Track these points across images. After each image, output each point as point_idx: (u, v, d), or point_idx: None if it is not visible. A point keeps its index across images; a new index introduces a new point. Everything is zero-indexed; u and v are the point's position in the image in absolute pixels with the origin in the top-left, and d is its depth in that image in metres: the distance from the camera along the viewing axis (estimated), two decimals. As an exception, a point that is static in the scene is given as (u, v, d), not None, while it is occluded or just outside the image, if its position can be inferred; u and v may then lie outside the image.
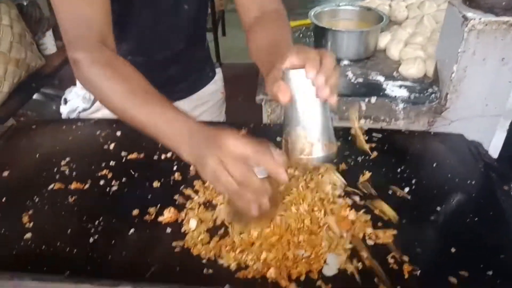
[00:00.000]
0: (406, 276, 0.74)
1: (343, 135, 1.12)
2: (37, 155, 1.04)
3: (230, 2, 4.47)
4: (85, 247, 0.79)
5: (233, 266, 0.75)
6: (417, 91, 1.49)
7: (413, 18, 1.88)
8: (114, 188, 0.94)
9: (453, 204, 0.92)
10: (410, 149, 1.09)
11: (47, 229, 0.83)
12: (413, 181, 0.97)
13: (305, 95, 0.73)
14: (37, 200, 0.90)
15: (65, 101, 1.28)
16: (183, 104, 1.29)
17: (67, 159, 1.02)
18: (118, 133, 1.12)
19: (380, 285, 0.73)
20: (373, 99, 1.47)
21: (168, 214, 0.86)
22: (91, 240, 0.80)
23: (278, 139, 1.02)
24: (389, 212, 0.87)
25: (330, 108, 0.75)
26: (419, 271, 0.75)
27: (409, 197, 0.92)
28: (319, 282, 0.73)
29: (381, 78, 1.57)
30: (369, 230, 0.83)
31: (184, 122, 0.77)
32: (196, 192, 0.93)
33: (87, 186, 0.94)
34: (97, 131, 1.13)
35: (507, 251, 0.79)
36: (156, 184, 0.95)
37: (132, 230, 0.83)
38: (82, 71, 0.86)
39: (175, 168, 1.00)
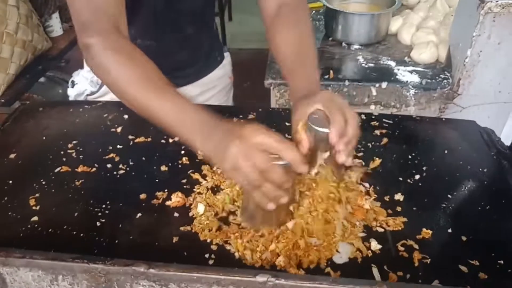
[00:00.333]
0: (416, 264, 0.73)
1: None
2: (44, 138, 1.03)
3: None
4: (92, 231, 0.78)
5: (241, 253, 0.75)
6: (428, 77, 1.47)
7: (426, 2, 1.85)
8: (122, 171, 0.93)
9: (465, 192, 0.90)
10: (421, 136, 1.07)
11: (54, 212, 0.83)
12: (424, 168, 0.95)
13: (321, 152, 0.77)
14: (44, 183, 0.89)
15: (73, 84, 1.27)
16: (191, 88, 1.28)
17: (74, 142, 1.02)
18: (126, 117, 1.10)
19: (390, 273, 0.72)
20: (384, 85, 1.45)
21: (175, 199, 0.85)
22: (98, 223, 0.80)
23: (287, 124, 1.01)
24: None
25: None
26: (429, 259, 0.74)
27: (420, 184, 0.91)
28: (327, 269, 0.72)
29: (392, 63, 1.55)
30: (381, 218, 0.82)
31: (197, 113, 0.75)
32: (204, 176, 0.92)
33: (94, 169, 0.94)
34: (104, 114, 1.12)
35: (518, 240, 0.78)
36: (163, 168, 0.94)
37: (139, 214, 0.82)
38: (94, 56, 0.84)
39: (182, 152, 0.99)
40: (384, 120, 1.11)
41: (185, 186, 0.89)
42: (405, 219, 0.82)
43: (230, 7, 4.59)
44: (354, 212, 0.82)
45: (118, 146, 1.00)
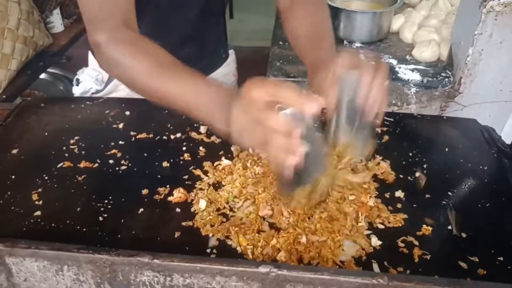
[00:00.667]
0: (417, 260, 0.74)
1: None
2: (46, 133, 1.04)
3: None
4: (94, 225, 0.79)
5: (243, 248, 0.75)
6: (430, 75, 1.47)
7: (428, 0, 1.85)
8: (123, 167, 0.93)
9: (465, 189, 0.90)
10: (422, 134, 1.07)
11: (56, 207, 0.83)
12: (425, 166, 0.95)
13: (353, 98, 0.73)
14: (46, 178, 0.90)
15: (77, 82, 1.27)
16: None
17: (76, 137, 1.02)
18: (127, 113, 1.11)
19: (390, 268, 0.72)
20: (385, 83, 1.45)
21: (177, 194, 0.85)
22: (100, 218, 0.80)
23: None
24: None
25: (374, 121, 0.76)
26: (429, 255, 0.74)
27: (420, 181, 0.91)
28: (329, 265, 0.72)
29: (393, 61, 1.55)
30: (384, 215, 0.82)
31: (217, 92, 0.73)
32: (206, 173, 0.92)
33: (96, 165, 0.94)
34: (106, 110, 1.12)
35: (518, 238, 0.78)
36: (165, 164, 0.94)
37: (141, 210, 0.82)
38: (105, 51, 0.83)
39: (184, 148, 0.99)
40: (385, 118, 1.11)
41: (186, 182, 0.90)
42: (405, 216, 0.82)
43: (231, 4, 4.59)
44: (358, 209, 0.82)
45: (120, 142, 1.01)
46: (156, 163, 0.95)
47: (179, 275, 0.62)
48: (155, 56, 0.81)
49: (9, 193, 0.86)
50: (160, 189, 0.87)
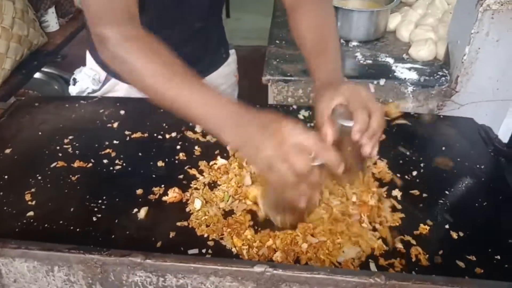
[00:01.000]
0: (414, 259, 0.73)
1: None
2: (39, 133, 1.03)
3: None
4: (88, 226, 0.78)
5: (238, 248, 0.74)
6: (427, 74, 1.47)
7: (424, -1, 1.84)
8: (118, 167, 0.93)
9: (462, 188, 0.90)
10: (419, 132, 1.07)
11: (50, 207, 0.82)
12: (422, 165, 0.95)
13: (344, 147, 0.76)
14: (39, 178, 0.89)
15: (74, 82, 1.25)
16: None
17: (70, 137, 1.01)
18: (122, 112, 1.10)
19: (387, 268, 0.71)
20: (382, 81, 1.44)
21: (172, 194, 0.84)
22: (94, 218, 0.79)
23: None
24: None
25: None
26: (427, 255, 0.74)
27: (417, 180, 0.91)
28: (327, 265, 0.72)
29: (390, 60, 1.54)
30: (384, 214, 0.81)
31: (227, 105, 0.74)
32: (201, 172, 0.91)
33: (90, 164, 0.93)
34: (100, 109, 1.11)
35: (515, 236, 0.78)
36: (160, 163, 0.94)
37: (136, 209, 0.81)
38: (111, 48, 0.82)
39: (179, 148, 0.98)
40: (382, 116, 1.11)
41: (182, 182, 0.89)
42: (402, 215, 0.82)
43: (228, 4, 4.57)
44: (359, 208, 0.82)
45: (115, 142, 1.00)
46: (151, 163, 0.94)
47: (172, 276, 0.61)
48: (164, 58, 0.80)
49: (1, 193, 0.85)
50: (155, 189, 0.86)
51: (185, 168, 0.92)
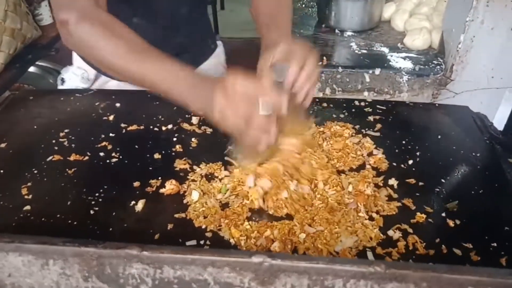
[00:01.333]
0: (411, 247, 0.74)
1: (346, 107, 1.11)
2: (35, 127, 1.02)
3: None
4: (85, 219, 0.78)
5: (236, 239, 0.74)
6: (422, 63, 1.47)
7: (419, -12, 1.83)
8: (114, 160, 0.92)
9: (458, 176, 0.90)
10: (415, 121, 1.07)
11: (46, 201, 0.82)
12: (418, 153, 0.95)
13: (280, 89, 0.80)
14: (36, 172, 0.88)
15: (62, 81, 1.24)
16: None
17: (66, 130, 1.00)
18: (118, 105, 1.09)
19: (384, 256, 0.72)
20: (377, 71, 1.44)
21: (169, 186, 0.84)
22: (91, 211, 0.79)
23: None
24: None
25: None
26: (424, 243, 0.74)
27: (413, 169, 0.91)
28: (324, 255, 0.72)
29: (385, 50, 1.55)
30: (380, 203, 0.82)
31: (189, 75, 0.79)
32: (198, 164, 0.91)
33: (86, 157, 0.93)
34: (96, 102, 1.11)
35: (511, 223, 0.78)
36: (157, 156, 0.93)
37: (133, 202, 0.81)
38: (73, 32, 0.82)
39: (175, 139, 0.98)
40: (377, 106, 1.11)
41: (179, 174, 0.89)
42: (399, 204, 0.82)
43: (222, -5, 4.55)
44: (356, 197, 0.82)
45: (111, 134, 0.99)
46: (148, 155, 0.94)
47: (170, 267, 0.61)
48: (127, 38, 0.82)
49: (-3, 187, 0.84)
50: (152, 181, 0.86)
51: (182, 160, 0.92)
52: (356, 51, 1.54)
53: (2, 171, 0.89)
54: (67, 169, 0.89)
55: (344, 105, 1.10)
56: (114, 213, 0.79)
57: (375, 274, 0.57)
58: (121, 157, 0.93)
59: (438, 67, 1.44)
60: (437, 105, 1.18)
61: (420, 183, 0.87)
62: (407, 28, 1.61)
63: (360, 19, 1.62)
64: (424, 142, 0.99)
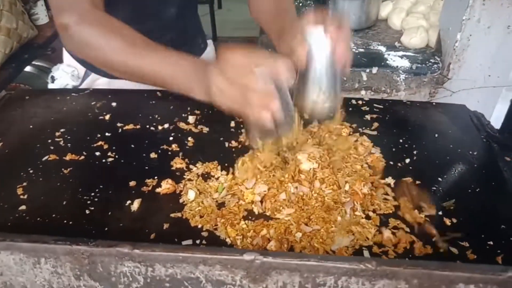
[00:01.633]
0: (408, 246, 0.73)
1: (343, 105, 1.10)
2: (31, 126, 1.02)
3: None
4: (81, 219, 0.77)
5: (232, 239, 0.74)
6: (419, 61, 1.47)
7: (416, -14, 1.84)
8: (110, 159, 0.92)
9: (455, 175, 0.90)
10: (412, 120, 1.07)
11: (42, 201, 0.81)
12: (415, 152, 0.95)
13: (322, 51, 0.77)
14: (31, 171, 0.88)
15: (52, 79, 1.24)
16: None
17: (62, 130, 1.00)
18: (114, 104, 1.09)
19: (381, 255, 0.72)
20: (374, 70, 1.45)
21: (165, 185, 0.84)
22: (87, 211, 0.79)
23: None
24: None
25: (342, 72, 0.82)
26: (420, 242, 0.74)
27: (410, 167, 0.91)
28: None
29: (382, 48, 1.55)
30: (377, 202, 0.82)
31: (190, 62, 0.78)
32: (194, 163, 0.91)
33: (82, 157, 0.92)
34: (92, 101, 1.10)
35: (508, 222, 0.78)
36: (153, 155, 0.93)
37: (129, 202, 0.81)
38: (74, 33, 0.83)
39: (172, 139, 0.98)
40: (374, 105, 1.11)
41: (175, 173, 0.88)
42: (395, 203, 0.82)
43: (220, -6, 4.54)
44: (352, 196, 0.82)
45: (107, 134, 0.99)
46: (144, 155, 0.93)
47: (161, 265, 0.60)
48: (126, 34, 0.82)
49: (-7, 187, 0.84)
50: (148, 181, 0.86)
51: (178, 159, 0.92)
52: (354, 50, 1.54)
53: (-3, 171, 0.88)
54: (62, 169, 0.89)
55: (341, 104, 1.10)
56: (110, 213, 0.79)
57: (366, 271, 0.57)
58: (117, 156, 0.93)
59: (435, 65, 1.44)
60: (434, 103, 1.17)
61: (417, 182, 0.87)
62: (404, 26, 1.61)
63: (357, 17, 1.63)
64: (421, 141, 0.99)
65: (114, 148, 0.95)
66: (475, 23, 1.30)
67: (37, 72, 2.40)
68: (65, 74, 1.22)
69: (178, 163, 0.90)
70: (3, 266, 0.65)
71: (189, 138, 0.98)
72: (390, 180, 0.87)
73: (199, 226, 0.76)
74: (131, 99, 1.11)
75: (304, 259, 0.58)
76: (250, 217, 0.79)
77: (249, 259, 0.58)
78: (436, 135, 1.01)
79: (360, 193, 0.82)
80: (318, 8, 0.82)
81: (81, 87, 1.22)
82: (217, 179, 0.87)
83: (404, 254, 0.72)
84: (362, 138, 0.98)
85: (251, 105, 0.70)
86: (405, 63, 1.46)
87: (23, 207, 0.79)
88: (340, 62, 0.78)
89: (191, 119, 1.03)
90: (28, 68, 2.25)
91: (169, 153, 0.94)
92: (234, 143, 0.96)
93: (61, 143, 0.96)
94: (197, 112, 1.05)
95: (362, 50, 1.54)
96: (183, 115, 1.04)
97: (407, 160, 0.93)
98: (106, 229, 0.75)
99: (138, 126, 1.02)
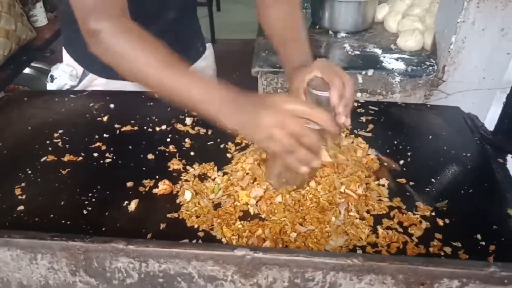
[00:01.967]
0: (401, 246, 0.75)
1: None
2: (29, 127, 1.03)
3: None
4: (79, 219, 0.78)
5: (228, 239, 0.75)
6: (414, 64, 1.48)
7: (412, -11, 1.85)
8: (108, 160, 0.93)
9: (448, 176, 0.91)
10: (407, 122, 1.08)
11: (40, 201, 0.82)
12: (409, 154, 0.96)
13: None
14: (29, 172, 0.89)
15: (52, 79, 1.25)
16: None
17: (60, 131, 1.01)
18: (112, 106, 1.10)
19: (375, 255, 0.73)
20: (370, 72, 1.45)
21: (162, 186, 0.85)
22: (85, 211, 0.80)
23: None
24: None
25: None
26: (413, 242, 0.75)
27: (404, 168, 0.92)
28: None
29: (378, 51, 1.56)
30: (371, 202, 0.82)
31: (223, 89, 0.77)
32: (191, 164, 0.92)
33: (80, 158, 0.93)
34: (90, 103, 1.11)
35: (500, 222, 0.80)
36: (150, 156, 0.94)
37: (126, 202, 0.82)
38: (103, 41, 0.82)
39: (169, 140, 0.99)
40: (370, 107, 1.12)
41: (172, 174, 0.89)
42: (389, 203, 0.83)
43: (219, -3, 4.55)
44: (346, 198, 0.83)
45: (105, 135, 1.00)
46: (141, 156, 0.94)
47: (155, 261, 0.61)
48: (155, 47, 0.82)
49: (-9, 188, 0.85)
50: (145, 182, 0.87)
51: (175, 160, 0.93)
52: (350, 52, 1.55)
53: (-4, 171, 0.89)
54: (60, 170, 0.90)
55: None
56: (107, 213, 0.80)
57: (353, 267, 0.58)
58: (114, 157, 0.94)
59: (431, 68, 1.45)
60: (429, 105, 1.19)
61: (411, 183, 0.88)
62: (400, 29, 1.63)
63: (353, 20, 1.64)
64: (416, 143, 1.00)
65: (111, 149, 0.96)
66: (470, 26, 1.31)
67: (36, 74, 2.40)
68: (64, 74, 1.22)
69: (175, 164, 0.91)
70: (0, 262, 0.66)
71: (186, 140, 0.99)
72: (384, 181, 0.88)
73: (196, 226, 0.77)
74: (129, 100, 1.12)
75: (293, 255, 0.59)
76: (245, 218, 0.80)
77: (240, 255, 0.59)
78: (431, 137, 1.02)
79: (354, 195, 0.83)
80: (326, 62, 0.85)
81: (78, 87, 1.22)
82: (213, 180, 0.88)
83: (397, 254, 0.73)
84: (358, 140, 0.99)
85: (297, 157, 0.72)
86: (401, 66, 1.47)
87: (21, 207, 0.80)
88: (338, 120, 0.80)
89: (188, 120, 1.04)
90: (26, 70, 2.25)
91: (166, 154, 0.95)
92: (230, 145, 0.97)
93: (59, 144, 0.97)
94: (194, 113, 1.06)
95: (358, 52, 1.55)
96: (181, 116, 1.05)
97: (401, 162, 0.94)
98: (103, 229, 0.76)
99: (135, 128, 1.03)
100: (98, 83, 1.21)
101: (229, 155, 0.94)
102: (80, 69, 1.21)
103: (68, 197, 0.83)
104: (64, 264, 0.64)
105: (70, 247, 0.63)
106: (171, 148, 0.96)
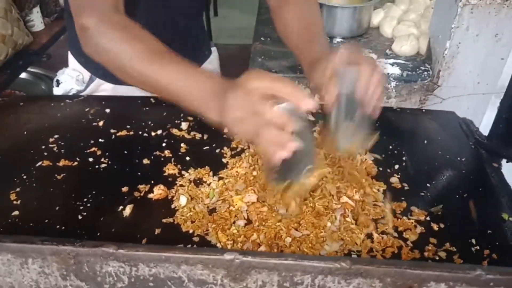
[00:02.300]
0: (396, 251, 0.75)
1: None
2: (24, 132, 1.02)
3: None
4: (73, 224, 0.78)
5: (223, 244, 0.75)
6: (409, 69, 1.49)
7: (407, -5, 1.86)
8: (103, 165, 0.93)
9: (443, 180, 0.92)
10: (402, 126, 1.08)
11: (35, 206, 0.82)
12: (404, 158, 0.97)
13: (352, 92, 0.75)
14: (25, 177, 0.89)
15: (58, 83, 1.24)
16: None
17: (56, 136, 1.01)
18: (107, 110, 1.10)
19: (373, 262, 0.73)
20: (365, 77, 1.46)
21: (158, 191, 0.85)
22: (80, 217, 0.80)
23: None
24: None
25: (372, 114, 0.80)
26: (409, 247, 0.75)
27: (399, 173, 0.92)
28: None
29: (373, 56, 1.57)
30: (367, 207, 0.83)
31: (211, 81, 0.73)
32: (186, 169, 0.92)
33: (75, 163, 0.93)
34: (86, 108, 1.11)
35: (494, 227, 0.80)
36: (145, 161, 0.94)
37: (121, 207, 0.82)
38: (93, 35, 0.81)
39: (164, 145, 0.99)
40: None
41: (167, 179, 0.89)
42: (385, 208, 0.83)
43: (216, 1, 4.57)
44: (343, 204, 0.82)
45: (100, 140, 1.00)
46: (137, 160, 0.94)
47: (145, 265, 0.61)
48: (146, 42, 0.80)
49: (-14, 193, 0.85)
50: (141, 187, 0.87)
51: (171, 165, 0.93)
52: (345, 57, 1.56)
53: (-10, 176, 0.89)
54: (56, 175, 0.89)
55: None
56: (102, 218, 0.80)
57: (341, 270, 0.58)
58: (110, 162, 0.94)
59: (426, 73, 1.46)
60: (424, 110, 1.19)
61: (406, 188, 0.89)
62: (395, 34, 1.64)
63: (349, 25, 1.65)
64: (411, 147, 1.00)
65: (107, 154, 0.96)
66: (464, 31, 1.33)
67: (32, 79, 2.41)
68: (70, 79, 1.22)
69: (170, 169, 0.91)
70: (-10, 267, 0.66)
71: (182, 144, 0.99)
72: (380, 186, 0.88)
73: (191, 231, 0.77)
74: (125, 105, 1.13)
75: (282, 259, 0.59)
76: (241, 222, 0.79)
77: (229, 259, 0.59)
78: (426, 142, 1.03)
79: (351, 201, 0.83)
80: (350, 44, 0.80)
81: (85, 92, 1.22)
82: (208, 185, 0.88)
83: (392, 258, 0.73)
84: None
85: (266, 141, 0.65)
86: (396, 71, 1.48)
87: (16, 212, 0.80)
88: (370, 106, 0.76)
89: (184, 125, 1.04)
90: (23, 75, 2.26)
91: (162, 159, 0.95)
92: (226, 150, 0.97)
93: (55, 149, 0.97)
94: (190, 118, 1.06)
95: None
96: (176, 121, 1.06)
97: (396, 166, 0.94)
98: (98, 234, 0.76)
99: (131, 132, 1.03)
100: (106, 88, 1.20)
101: (224, 160, 0.94)
102: (86, 74, 1.21)
103: (63, 202, 0.83)
104: (55, 268, 0.64)
105: (60, 252, 0.62)
106: (167, 153, 0.96)
